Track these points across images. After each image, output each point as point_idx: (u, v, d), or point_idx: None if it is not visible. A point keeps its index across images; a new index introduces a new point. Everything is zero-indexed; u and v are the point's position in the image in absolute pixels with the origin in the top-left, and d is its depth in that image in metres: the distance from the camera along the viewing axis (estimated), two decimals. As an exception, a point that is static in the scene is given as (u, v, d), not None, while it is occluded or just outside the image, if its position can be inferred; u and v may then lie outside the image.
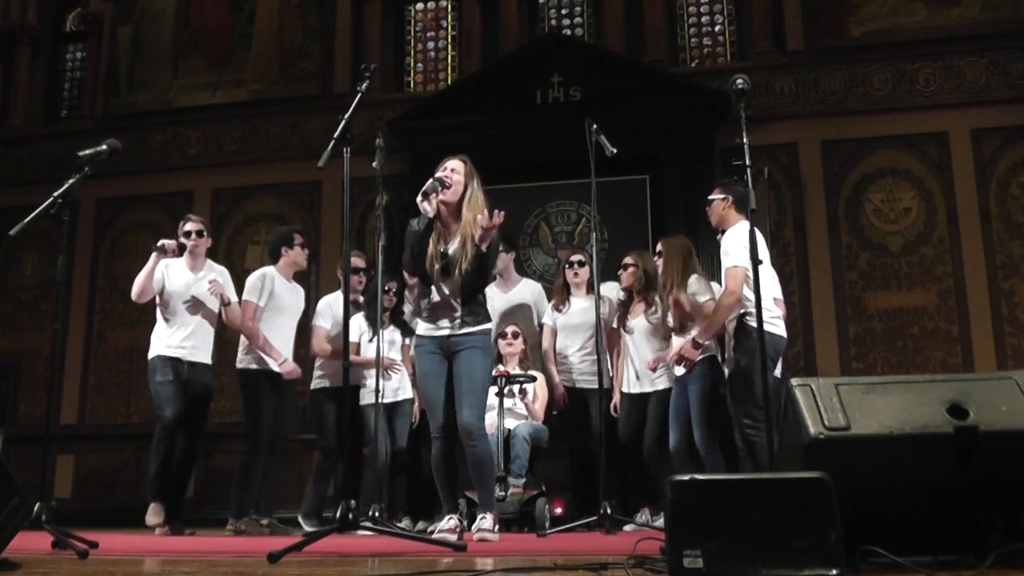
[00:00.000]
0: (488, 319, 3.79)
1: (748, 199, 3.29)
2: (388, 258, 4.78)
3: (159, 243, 4.94)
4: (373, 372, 4.72)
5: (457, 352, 3.64)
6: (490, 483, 3.75)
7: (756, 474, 2.52)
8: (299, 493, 5.43)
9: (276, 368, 4.98)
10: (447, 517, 3.66)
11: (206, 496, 7.20)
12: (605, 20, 8.41)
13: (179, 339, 4.91)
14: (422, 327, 3.75)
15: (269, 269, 5.17)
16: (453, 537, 3.35)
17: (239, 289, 5.16)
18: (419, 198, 3.59)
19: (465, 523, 3.75)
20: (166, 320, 4.95)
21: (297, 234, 5.34)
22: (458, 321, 3.65)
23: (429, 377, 3.70)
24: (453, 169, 3.69)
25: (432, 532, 3.82)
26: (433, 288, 3.69)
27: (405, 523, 5.06)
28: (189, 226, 5.04)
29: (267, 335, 4.99)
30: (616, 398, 5.08)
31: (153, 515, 4.69)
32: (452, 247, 3.64)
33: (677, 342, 4.70)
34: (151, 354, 4.93)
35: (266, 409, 4.96)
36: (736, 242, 4.08)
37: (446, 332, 3.66)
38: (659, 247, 4.92)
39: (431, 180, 3.63)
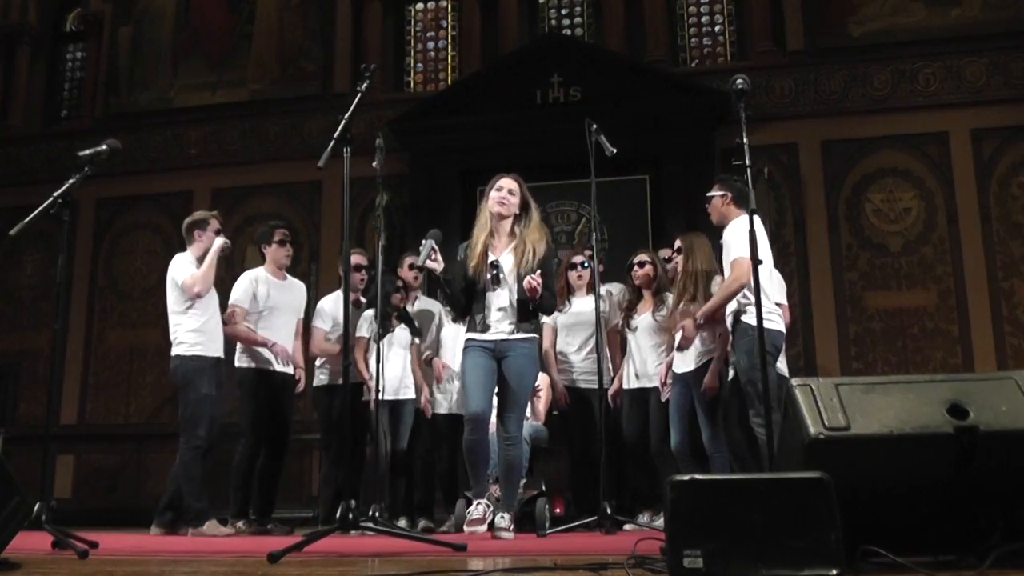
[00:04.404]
0: (539, 329, 3.92)
1: (747, 196, 3.28)
2: (388, 258, 4.78)
3: (225, 245, 4.86)
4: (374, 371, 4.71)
5: (507, 356, 3.75)
6: (515, 486, 3.90)
7: (756, 474, 2.52)
8: (300, 493, 5.43)
9: (276, 368, 4.95)
10: (475, 503, 3.75)
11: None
12: (605, 20, 8.40)
13: (216, 337, 4.80)
14: (472, 333, 3.83)
15: (256, 271, 5.14)
16: (482, 528, 3.54)
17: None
18: (428, 264, 3.66)
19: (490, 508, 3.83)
20: (199, 317, 4.74)
21: (276, 231, 5.21)
22: (510, 327, 3.76)
23: (475, 368, 3.78)
24: (511, 191, 3.85)
25: (463, 520, 3.92)
26: (487, 298, 3.79)
27: (403, 523, 5.05)
28: (218, 225, 4.96)
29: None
30: (614, 387, 5.05)
31: (214, 527, 4.57)
32: (502, 257, 3.77)
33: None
34: (193, 351, 4.68)
35: (261, 408, 4.93)
36: (740, 235, 4.01)
37: (498, 337, 3.77)
38: (679, 243, 4.76)
39: (423, 248, 3.69)
